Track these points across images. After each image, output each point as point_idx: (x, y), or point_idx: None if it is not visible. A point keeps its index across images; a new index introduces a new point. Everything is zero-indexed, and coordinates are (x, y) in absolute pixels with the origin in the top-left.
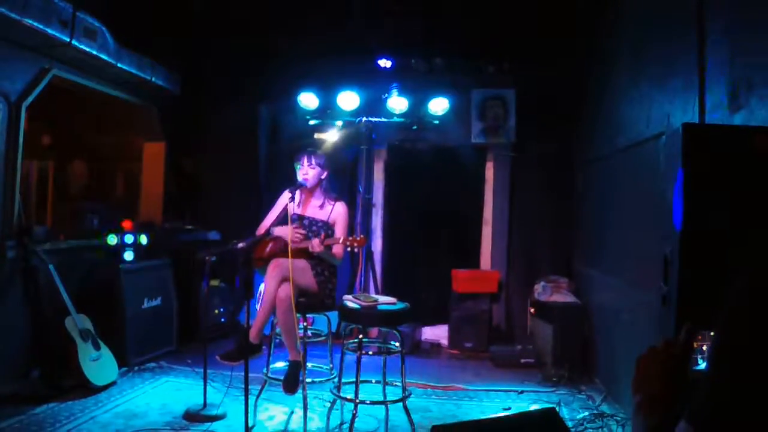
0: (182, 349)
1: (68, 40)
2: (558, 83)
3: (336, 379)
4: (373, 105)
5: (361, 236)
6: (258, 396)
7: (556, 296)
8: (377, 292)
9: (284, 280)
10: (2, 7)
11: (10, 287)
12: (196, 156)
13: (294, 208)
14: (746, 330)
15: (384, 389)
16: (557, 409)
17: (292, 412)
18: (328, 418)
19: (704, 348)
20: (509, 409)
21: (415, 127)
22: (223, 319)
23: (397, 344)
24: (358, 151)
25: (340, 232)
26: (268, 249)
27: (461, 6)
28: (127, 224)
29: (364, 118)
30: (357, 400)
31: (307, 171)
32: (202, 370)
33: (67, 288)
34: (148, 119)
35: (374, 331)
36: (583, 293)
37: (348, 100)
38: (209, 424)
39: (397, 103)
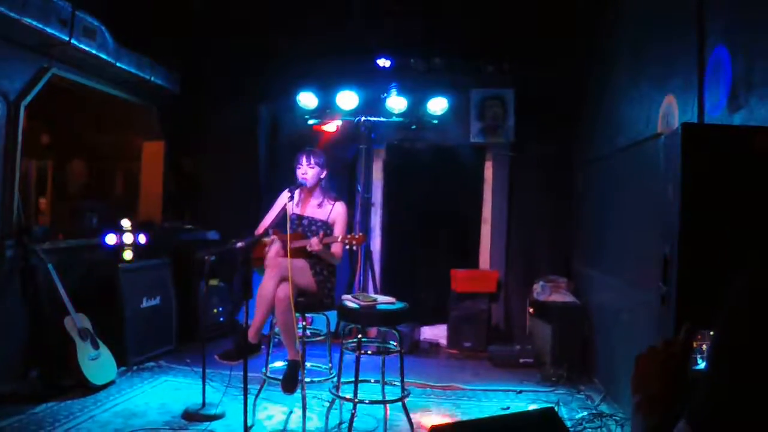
0: (181, 348)
1: (67, 39)
2: (557, 83)
3: (335, 379)
4: (373, 104)
5: (360, 234)
6: (257, 395)
7: (555, 296)
8: (376, 292)
9: (283, 279)
10: (1, 6)
11: (9, 286)
12: (195, 155)
13: (293, 208)
14: (746, 330)
15: (383, 389)
16: (556, 408)
17: (291, 412)
18: (327, 418)
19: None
20: (508, 408)
21: (414, 127)
22: (221, 319)
23: (396, 344)
24: (357, 151)
25: (339, 231)
26: (267, 249)
27: (461, 6)
28: (126, 223)
29: (363, 118)
30: (356, 400)
31: (306, 170)
32: (201, 369)
33: (66, 287)
34: (148, 118)
35: (373, 331)
36: (582, 293)
37: (347, 99)
38: (208, 423)
39: (396, 103)
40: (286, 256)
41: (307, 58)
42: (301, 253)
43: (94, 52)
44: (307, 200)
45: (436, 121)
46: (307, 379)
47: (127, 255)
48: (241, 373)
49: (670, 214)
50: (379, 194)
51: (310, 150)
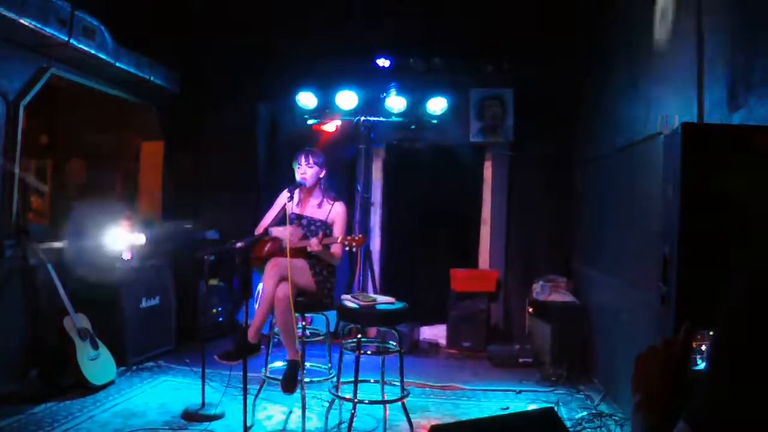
0: (180, 348)
1: (66, 39)
2: (557, 83)
3: (334, 379)
4: (372, 104)
5: (360, 235)
6: (256, 395)
7: (555, 296)
8: (375, 292)
9: (282, 279)
10: (0, 6)
11: (8, 286)
12: (194, 155)
13: (293, 208)
14: (746, 330)
15: (382, 389)
16: (555, 408)
17: (290, 412)
18: (327, 418)
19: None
20: (507, 408)
21: (413, 127)
22: (221, 319)
23: (396, 344)
24: (356, 151)
25: (338, 231)
26: (266, 248)
27: (460, 5)
28: (125, 223)
29: (363, 118)
30: (355, 400)
31: (305, 170)
32: (200, 369)
33: (65, 287)
34: (147, 118)
35: (372, 331)
36: (582, 293)
37: (346, 99)
38: (207, 423)
39: (396, 103)
40: (285, 255)
41: (307, 57)
42: (300, 253)
43: (93, 52)
44: (307, 200)
45: (435, 121)
46: (307, 379)
47: (126, 255)
48: (241, 373)
49: (669, 214)
50: (378, 194)
51: (309, 150)
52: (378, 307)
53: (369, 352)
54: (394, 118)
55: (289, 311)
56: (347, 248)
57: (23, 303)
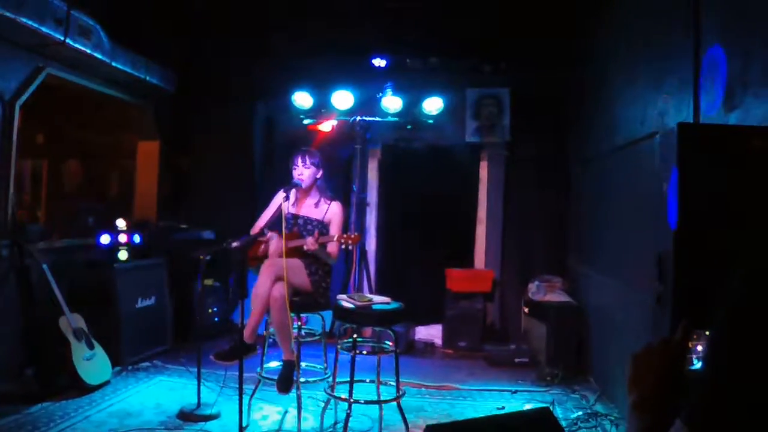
0: (176, 348)
1: (63, 38)
2: (553, 83)
3: (330, 379)
4: (368, 104)
5: (356, 234)
6: (252, 395)
7: (550, 295)
8: (371, 292)
9: (278, 279)
10: None
11: (3, 286)
12: (190, 155)
13: (288, 208)
14: (743, 330)
15: (378, 389)
16: (551, 408)
17: (286, 412)
18: (322, 418)
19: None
20: (503, 408)
21: (409, 126)
22: (216, 319)
23: (391, 344)
24: (352, 150)
25: (335, 231)
26: (262, 248)
27: (457, 5)
28: (121, 223)
29: (359, 118)
30: (351, 400)
31: (302, 171)
32: (196, 369)
33: (60, 287)
34: (143, 118)
35: (368, 331)
36: (578, 292)
37: (342, 99)
38: (203, 423)
39: (392, 102)
40: (281, 255)
41: (303, 57)
42: (296, 252)
43: (89, 51)
44: (303, 200)
45: (431, 121)
46: (302, 379)
47: (122, 255)
48: (237, 373)
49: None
50: (374, 194)
51: (306, 150)
52: (374, 307)
53: (365, 352)
54: (390, 118)
55: (284, 311)
56: (343, 246)
57: (18, 303)
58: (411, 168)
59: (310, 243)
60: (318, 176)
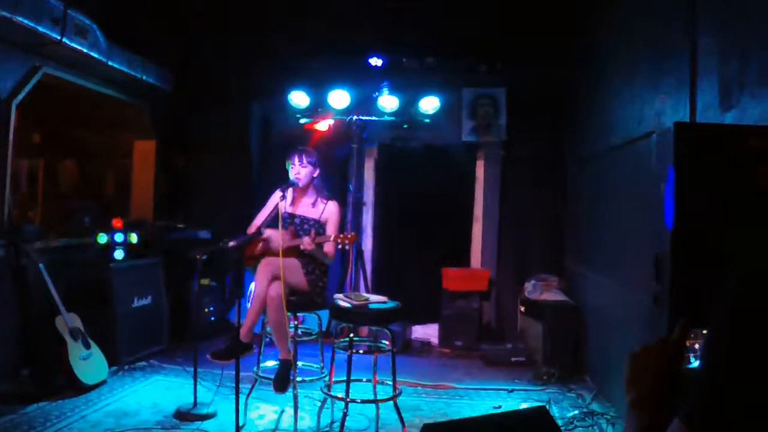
0: (173, 347)
1: (59, 38)
2: (550, 82)
3: (327, 378)
4: (364, 103)
5: (352, 233)
6: (248, 395)
7: (547, 295)
8: (367, 291)
9: (275, 278)
10: None
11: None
12: (187, 154)
13: (285, 207)
14: (740, 329)
15: (375, 388)
16: (547, 407)
17: (282, 411)
18: (319, 417)
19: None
20: (500, 407)
21: (406, 126)
22: (213, 318)
23: (388, 343)
24: (348, 150)
25: (331, 230)
26: (259, 248)
27: (455, 5)
28: (117, 223)
29: (355, 117)
30: (348, 399)
31: (299, 170)
32: (192, 368)
33: (57, 287)
34: (139, 117)
35: (364, 330)
36: (574, 292)
37: (339, 98)
38: (200, 422)
39: (388, 102)
40: (277, 254)
41: (299, 56)
42: (293, 252)
43: (85, 50)
44: (300, 199)
45: (428, 120)
46: (299, 379)
47: (119, 254)
48: (233, 372)
49: (662, 213)
50: (370, 193)
51: (303, 149)
52: (370, 306)
53: (361, 351)
54: (386, 118)
55: (281, 310)
56: (340, 246)
57: (15, 303)
58: (407, 167)
59: (306, 243)
60: (315, 175)
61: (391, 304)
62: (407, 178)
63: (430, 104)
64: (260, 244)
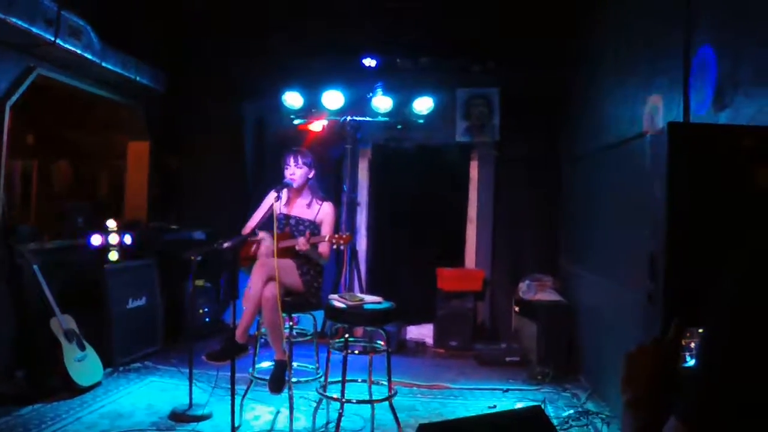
0: (167, 349)
1: (53, 39)
2: (543, 82)
3: (322, 379)
4: (358, 104)
5: (347, 234)
6: (244, 396)
7: (541, 294)
8: (362, 292)
9: (270, 279)
10: None
11: None
12: (181, 155)
13: (280, 208)
14: (736, 328)
15: (370, 388)
16: (542, 407)
17: (278, 412)
18: (314, 418)
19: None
20: (495, 407)
21: (399, 126)
22: (207, 319)
23: (383, 343)
24: (342, 150)
25: (326, 231)
26: (253, 248)
27: (454, 5)
28: (111, 224)
29: (349, 117)
30: (343, 400)
31: (294, 171)
32: (187, 370)
33: (51, 288)
34: (133, 118)
35: (359, 330)
36: (569, 291)
37: (332, 99)
38: (195, 424)
39: (382, 102)
40: (273, 255)
41: (293, 57)
42: (288, 252)
43: (79, 51)
44: (295, 200)
45: (421, 121)
46: (294, 379)
47: (113, 255)
48: (228, 373)
49: (657, 212)
50: (365, 194)
51: (298, 150)
52: (365, 306)
53: (356, 352)
54: (380, 118)
55: (276, 311)
56: (335, 246)
57: (9, 304)
58: (401, 168)
59: (301, 243)
60: (310, 176)
61: (386, 305)
62: (401, 179)
63: (423, 105)
64: (255, 245)
